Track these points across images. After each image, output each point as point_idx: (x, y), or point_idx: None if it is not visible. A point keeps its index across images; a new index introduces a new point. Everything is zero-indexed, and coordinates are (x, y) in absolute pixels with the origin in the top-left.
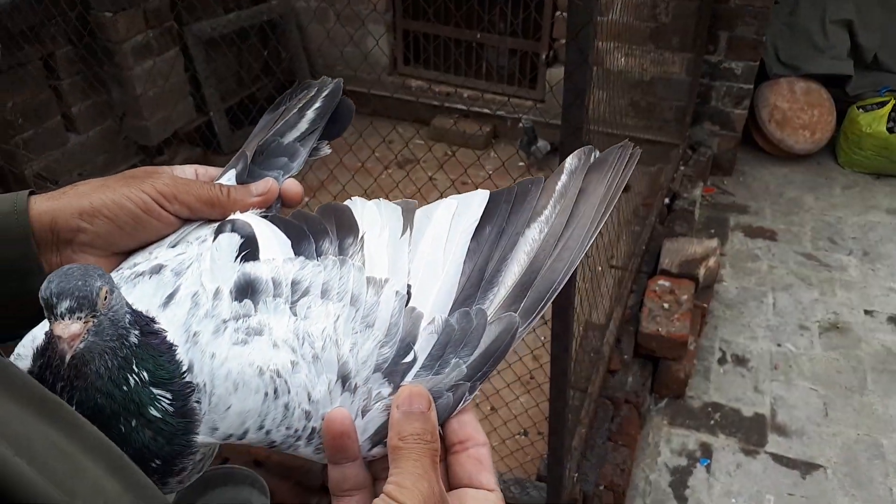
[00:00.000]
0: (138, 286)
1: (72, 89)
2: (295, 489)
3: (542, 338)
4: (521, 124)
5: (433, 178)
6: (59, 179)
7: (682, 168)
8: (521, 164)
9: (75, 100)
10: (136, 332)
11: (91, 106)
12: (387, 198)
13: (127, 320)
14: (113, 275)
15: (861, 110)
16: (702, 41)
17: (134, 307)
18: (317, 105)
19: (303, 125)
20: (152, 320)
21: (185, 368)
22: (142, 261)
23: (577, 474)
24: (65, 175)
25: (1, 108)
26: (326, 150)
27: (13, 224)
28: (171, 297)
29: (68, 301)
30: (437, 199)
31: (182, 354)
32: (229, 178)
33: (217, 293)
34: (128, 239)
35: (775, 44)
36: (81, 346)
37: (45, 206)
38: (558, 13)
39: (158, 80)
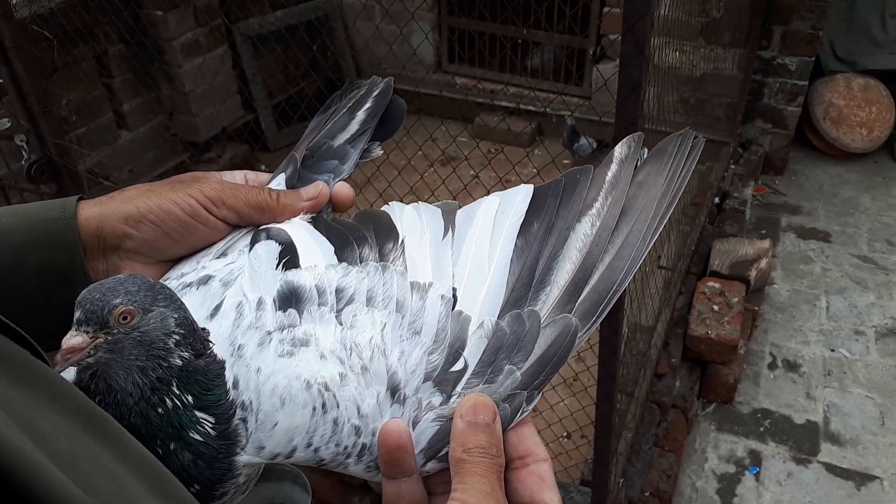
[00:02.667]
0: (185, 298)
1: (123, 86)
2: (336, 487)
3: (589, 340)
4: (566, 120)
5: (478, 175)
6: (110, 175)
7: (732, 167)
8: (566, 161)
9: (126, 97)
10: (185, 355)
11: (141, 103)
12: (432, 196)
13: (172, 341)
14: None
15: None
16: (755, 36)
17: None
18: (367, 105)
19: (353, 126)
20: (207, 340)
21: (230, 385)
22: (189, 271)
23: (622, 480)
24: (115, 171)
25: (56, 104)
26: (378, 151)
27: (60, 229)
28: (217, 308)
29: (79, 312)
30: (482, 198)
31: (227, 370)
32: (279, 182)
33: (260, 303)
34: (175, 246)
35: (832, 39)
36: (90, 360)
37: (92, 211)
38: (607, 9)
39: (207, 77)
